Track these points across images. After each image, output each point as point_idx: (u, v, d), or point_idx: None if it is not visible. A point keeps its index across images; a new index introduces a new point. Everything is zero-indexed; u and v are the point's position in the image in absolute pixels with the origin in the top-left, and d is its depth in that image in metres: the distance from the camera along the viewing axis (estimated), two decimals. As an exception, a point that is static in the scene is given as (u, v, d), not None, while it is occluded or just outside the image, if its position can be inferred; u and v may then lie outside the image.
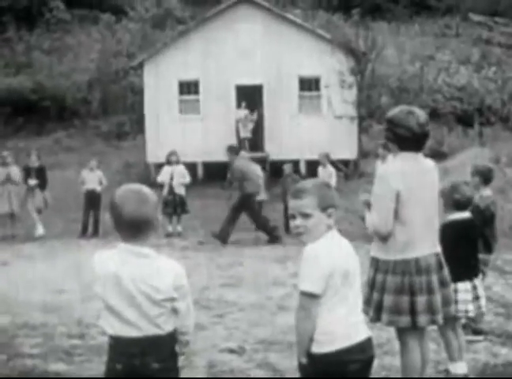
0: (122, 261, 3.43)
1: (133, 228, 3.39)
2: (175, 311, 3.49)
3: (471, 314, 5.90)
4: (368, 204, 5.04)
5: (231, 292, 9.86)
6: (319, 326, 3.60)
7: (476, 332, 7.05)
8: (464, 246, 5.90)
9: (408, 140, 4.94)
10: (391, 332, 5.26)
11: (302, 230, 3.69)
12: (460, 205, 5.90)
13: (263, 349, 6.98)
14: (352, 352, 3.59)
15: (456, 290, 5.70)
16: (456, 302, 5.65)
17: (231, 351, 6.91)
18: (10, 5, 40.90)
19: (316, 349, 3.60)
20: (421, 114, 5.01)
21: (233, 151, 15.80)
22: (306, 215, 3.67)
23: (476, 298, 5.87)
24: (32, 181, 16.62)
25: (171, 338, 3.51)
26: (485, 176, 7.36)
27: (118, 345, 3.43)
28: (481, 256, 6.72)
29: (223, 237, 14.81)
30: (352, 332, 3.63)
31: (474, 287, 5.88)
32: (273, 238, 14.95)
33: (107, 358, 3.53)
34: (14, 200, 16.44)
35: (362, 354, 3.64)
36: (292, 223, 3.74)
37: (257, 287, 10.22)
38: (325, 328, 3.59)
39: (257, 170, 15.57)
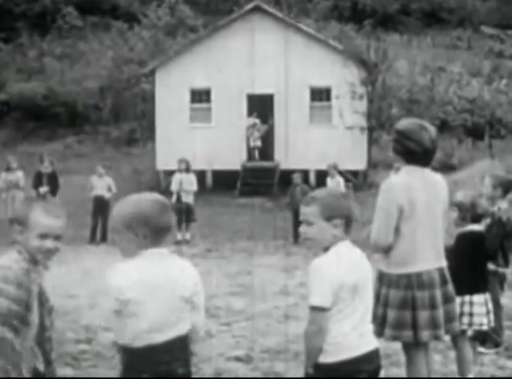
0: (152, 265, 3.42)
1: (166, 234, 3.52)
2: (194, 307, 3.50)
3: (485, 327, 5.88)
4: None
5: (239, 300, 9.87)
6: (328, 337, 3.59)
7: (498, 345, 7.02)
8: (481, 258, 5.92)
9: (418, 154, 4.88)
10: (398, 343, 5.26)
11: (307, 236, 3.74)
12: (478, 218, 5.92)
13: (270, 358, 6.98)
14: (360, 362, 3.58)
15: (472, 303, 5.70)
16: (471, 314, 5.66)
17: (238, 360, 6.93)
18: (23, 12, 41.19)
19: (323, 359, 3.59)
20: (432, 129, 4.97)
21: None
22: (309, 223, 3.71)
23: (488, 312, 5.84)
24: (43, 189, 16.60)
25: (188, 339, 3.52)
26: (507, 188, 7.30)
27: (144, 354, 3.39)
28: (500, 269, 6.70)
29: None
30: (360, 343, 3.63)
31: (486, 301, 5.86)
32: None
33: (128, 368, 3.43)
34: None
35: (369, 364, 3.63)
36: (300, 229, 3.80)
37: (264, 295, 10.23)
38: (334, 339, 3.59)
39: None
